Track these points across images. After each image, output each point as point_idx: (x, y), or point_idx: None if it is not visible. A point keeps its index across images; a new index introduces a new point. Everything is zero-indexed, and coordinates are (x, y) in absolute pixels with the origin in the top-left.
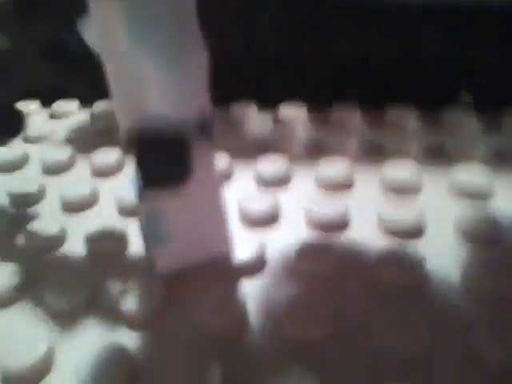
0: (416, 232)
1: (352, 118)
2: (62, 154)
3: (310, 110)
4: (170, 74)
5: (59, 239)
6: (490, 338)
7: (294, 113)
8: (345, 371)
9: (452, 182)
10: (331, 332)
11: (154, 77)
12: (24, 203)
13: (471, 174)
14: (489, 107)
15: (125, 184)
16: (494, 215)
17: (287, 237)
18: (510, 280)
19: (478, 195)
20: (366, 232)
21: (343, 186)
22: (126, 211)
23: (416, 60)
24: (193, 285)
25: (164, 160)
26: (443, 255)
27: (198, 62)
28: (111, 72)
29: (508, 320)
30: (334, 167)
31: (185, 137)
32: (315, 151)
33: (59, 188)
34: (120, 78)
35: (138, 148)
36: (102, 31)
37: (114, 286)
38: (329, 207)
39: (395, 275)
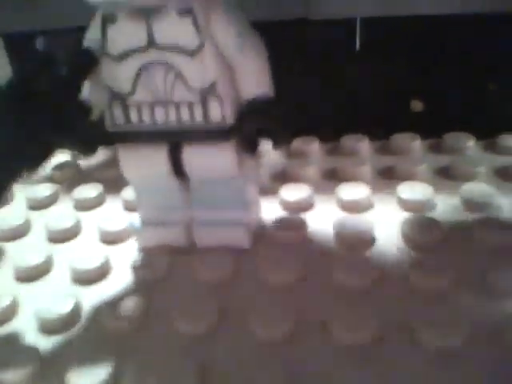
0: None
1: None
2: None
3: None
4: (259, 58)
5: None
6: (427, 324)
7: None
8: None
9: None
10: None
11: (250, 63)
12: None
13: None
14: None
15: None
16: (433, 225)
17: None
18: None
19: (421, 208)
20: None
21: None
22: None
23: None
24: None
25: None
26: (391, 259)
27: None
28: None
29: (441, 310)
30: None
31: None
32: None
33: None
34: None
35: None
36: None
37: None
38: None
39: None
